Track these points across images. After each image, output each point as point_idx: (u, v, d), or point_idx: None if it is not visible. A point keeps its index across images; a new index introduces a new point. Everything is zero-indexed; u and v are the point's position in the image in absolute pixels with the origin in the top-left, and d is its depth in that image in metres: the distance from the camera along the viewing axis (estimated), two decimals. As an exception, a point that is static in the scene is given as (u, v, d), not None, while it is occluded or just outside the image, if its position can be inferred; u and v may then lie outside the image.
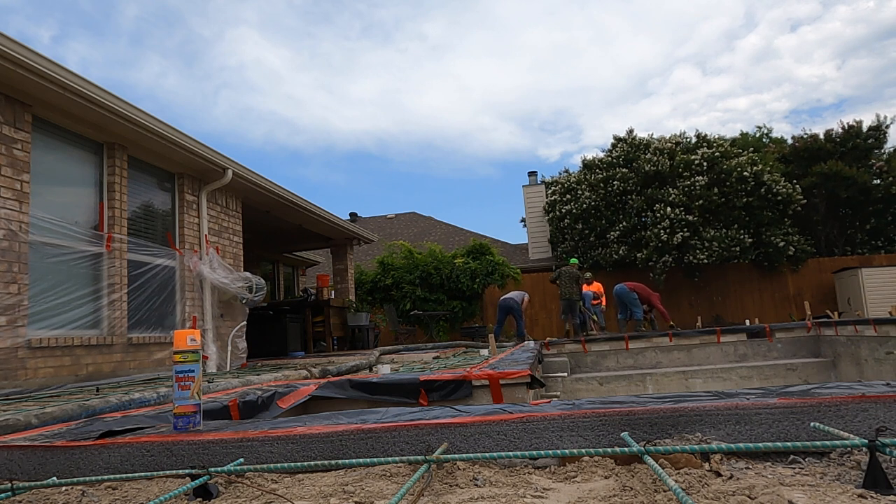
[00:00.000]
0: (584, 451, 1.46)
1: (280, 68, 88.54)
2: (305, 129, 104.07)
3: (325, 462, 1.58)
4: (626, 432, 1.53)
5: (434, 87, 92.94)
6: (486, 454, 1.51)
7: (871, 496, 1.12)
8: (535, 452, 1.47)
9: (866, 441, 1.22)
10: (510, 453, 1.48)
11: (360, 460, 1.53)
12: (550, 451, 1.48)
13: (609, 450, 1.43)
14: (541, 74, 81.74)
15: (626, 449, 1.41)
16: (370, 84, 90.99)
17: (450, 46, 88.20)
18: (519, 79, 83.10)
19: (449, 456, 1.51)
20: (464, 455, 1.52)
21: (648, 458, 1.34)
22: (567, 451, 1.49)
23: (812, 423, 1.44)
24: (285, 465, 1.58)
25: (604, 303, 12.91)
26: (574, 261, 11.75)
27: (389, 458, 1.51)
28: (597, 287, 12.80)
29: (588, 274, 12.45)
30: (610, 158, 17.48)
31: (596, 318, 12.22)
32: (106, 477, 1.61)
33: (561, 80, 79.28)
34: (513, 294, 11.51)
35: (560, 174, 20.14)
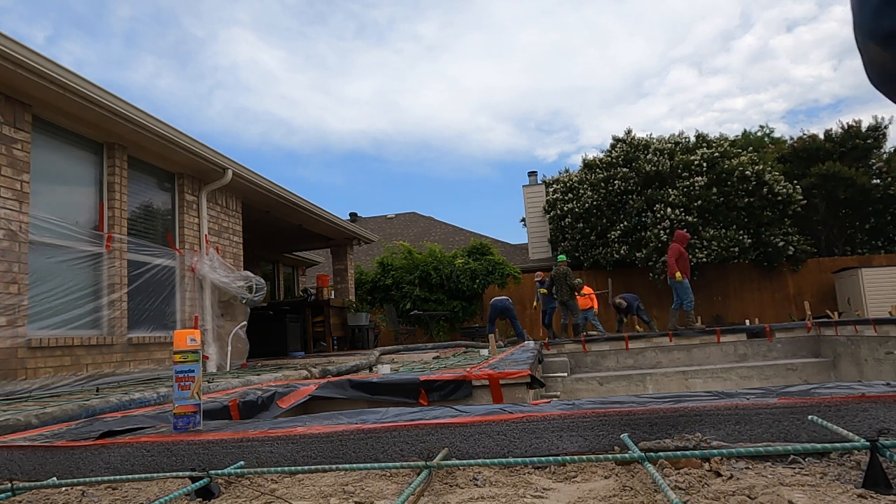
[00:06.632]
0: (583, 458, 1.47)
1: (275, 69, 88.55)
2: (301, 129, 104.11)
3: (326, 466, 1.58)
4: (625, 434, 1.53)
5: (430, 87, 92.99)
6: (487, 461, 1.51)
7: (871, 496, 1.12)
8: (533, 460, 1.47)
9: (867, 441, 1.22)
10: (511, 460, 1.48)
11: (360, 465, 1.53)
12: (551, 458, 1.48)
13: (609, 456, 1.43)
14: (537, 75, 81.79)
15: (625, 455, 1.41)
16: (366, 84, 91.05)
17: (445, 47, 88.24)
18: (515, 79, 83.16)
19: (449, 462, 1.51)
20: (464, 461, 1.53)
21: (648, 464, 1.34)
22: (566, 458, 1.49)
23: (809, 417, 1.44)
24: (286, 468, 1.58)
25: (595, 306, 12.74)
26: (562, 258, 11.32)
27: (389, 464, 1.52)
28: (587, 293, 12.49)
29: (578, 280, 11.48)
30: (610, 158, 17.51)
31: (595, 325, 12.16)
32: (106, 477, 1.61)
33: (557, 80, 79.32)
34: (505, 297, 11.62)
35: (561, 173, 20.16)
